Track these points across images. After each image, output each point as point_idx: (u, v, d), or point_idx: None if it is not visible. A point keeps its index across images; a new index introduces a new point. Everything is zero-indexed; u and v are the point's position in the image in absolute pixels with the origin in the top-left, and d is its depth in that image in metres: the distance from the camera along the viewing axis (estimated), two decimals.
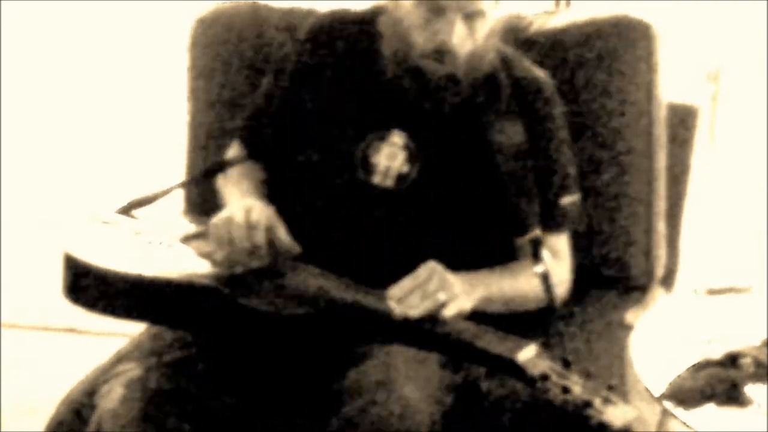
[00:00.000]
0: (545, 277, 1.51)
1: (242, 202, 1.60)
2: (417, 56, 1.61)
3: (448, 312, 1.46)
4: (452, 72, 1.61)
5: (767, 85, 2.41)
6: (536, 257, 1.54)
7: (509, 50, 1.76)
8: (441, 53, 1.59)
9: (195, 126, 2.07)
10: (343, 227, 1.66)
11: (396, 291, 1.47)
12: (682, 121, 1.97)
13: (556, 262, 1.69)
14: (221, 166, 1.82)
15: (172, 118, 2.22)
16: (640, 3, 1.99)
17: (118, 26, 2.79)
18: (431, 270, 1.49)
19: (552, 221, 1.69)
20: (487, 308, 1.56)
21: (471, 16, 1.59)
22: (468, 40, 1.60)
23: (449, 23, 1.58)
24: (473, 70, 1.64)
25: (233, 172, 1.80)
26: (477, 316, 1.51)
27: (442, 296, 1.45)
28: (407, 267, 1.54)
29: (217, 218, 1.58)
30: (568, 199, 1.71)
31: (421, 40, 1.60)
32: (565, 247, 1.73)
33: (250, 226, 1.54)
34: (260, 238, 1.54)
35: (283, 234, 1.57)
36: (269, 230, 1.56)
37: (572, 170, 1.74)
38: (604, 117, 1.88)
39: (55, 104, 2.88)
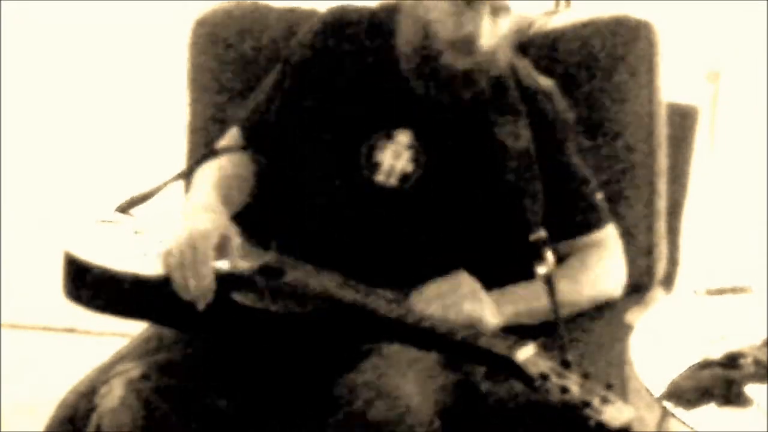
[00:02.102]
0: (548, 280, 1.50)
1: (190, 225, 1.55)
2: (439, 47, 1.60)
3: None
4: (471, 67, 1.61)
5: (767, 85, 2.41)
6: (540, 258, 1.53)
7: (517, 58, 1.75)
8: (466, 44, 1.59)
9: (195, 126, 2.07)
10: (345, 225, 1.66)
11: (419, 293, 1.51)
12: (682, 121, 1.97)
13: (608, 253, 1.72)
14: (212, 155, 1.81)
15: (172, 117, 2.22)
16: (640, 3, 1.99)
17: (118, 26, 2.79)
18: (461, 281, 1.52)
19: (598, 218, 1.72)
20: (516, 323, 1.57)
21: (497, 11, 1.59)
22: (490, 35, 1.60)
23: (477, 15, 1.58)
24: (490, 67, 1.63)
25: (212, 164, 1.75)
26: None
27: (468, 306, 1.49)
28: (409, 266, 1.54)
29: (166, 250, 1.52)
30: (600, 197, 1.74)
31: (446, 30, 1.59)
32: (615, 235, 1.75)
33: (186, 267, 1.50)
34: (206, 273, 1.50)
35: (233, 248, 1.55)
36: (220, 246, 1.53)
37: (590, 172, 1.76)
38: (604, 117, 1.88)
39: (56, 104, 2.89)
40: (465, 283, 1.53)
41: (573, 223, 1.69)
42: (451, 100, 1.64)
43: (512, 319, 1.56)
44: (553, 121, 1.71)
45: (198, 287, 1.49)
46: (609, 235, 1.74)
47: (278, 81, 1.79)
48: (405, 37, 1.66)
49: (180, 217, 1.63)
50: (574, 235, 1.68)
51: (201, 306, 1.50)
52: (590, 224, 1.70)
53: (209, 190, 1.69)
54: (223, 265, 1.54)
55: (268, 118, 1.78)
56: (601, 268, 1.70)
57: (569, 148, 1.72)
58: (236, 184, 1.73)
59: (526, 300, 1.60)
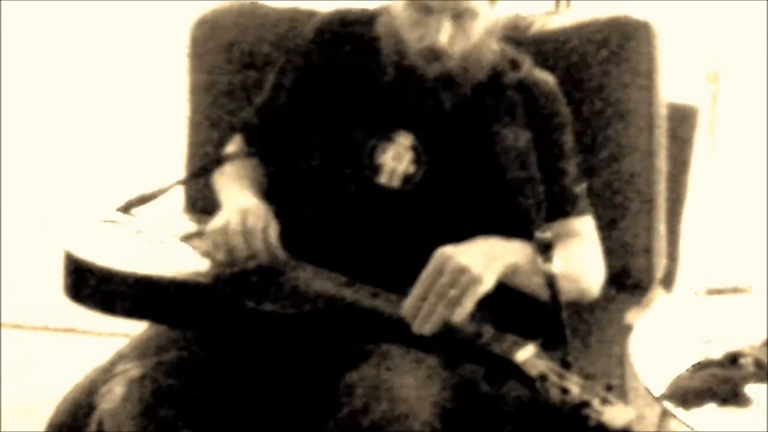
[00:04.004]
0: (551, 280, 1.50)
1: (238, 204, 1.60)
2: (412, 57, 1.61)
3: (459, 316, 1.42)
4: (447, 71, 1.62)
5: (767, 85, 2.41)
6: (545, 259, 1.52)
7: (515, 52, 1.76)
8: (433, 53, 1.60)
9: (195, 125, 2.07)
10: (349, 227, 1.66)
11: (408, 305, 1.43)
12: (682, 121, 1.97)
13: (585, 243, 1.68)
14: (220, 162, 1.82)
15: (172, 117, 2.22)
16: (640, 3, 1.99)
17: (118, 26, 2.80)
18: (439, 264, 1.44)
19: (573, 206, 1.69)
20: (514, 280, 1.53)
21: (460, 15, 1.59)
22: (460, 39, 1.60)
23: (437, 23, 1.58)
24: (471, 69, 1.64)
25: (230, 168, 1.80)
26: (478, 313, 1.51)
27: (454, 292, 1.41)
28: (413, 267, 1.53)
29: (214, 224, 1.58)
30: (580, 187, 1.72)
31: (413, 38, 1.61)
32: (591, 228, 1.71)
33: (247, 232, 1.54)
34: (258, 243, 1.55)
35: (273, 236, 1.57)
36: (265, 232, 1.56)
37: (577, 165, 1.74)
38: (604, 117, 1.88)
39: (56, 104, 2.89)
40: (447, 265, 1.45)
41: (549, 207, 1.64)
42: (435, 104, 1.65)
43: (512, 271, 1.51)
44: (549, 113, 1.70)
45: (249, 250, 1.53)
46: (586, 227, 1.71)
47: (277, 86, 1.80)
48: (384, 46, 1.67)
49: (222, 206, 1.66)
50: (549, 219, 1.63)
51: (255, 263, 1.54)
52: (566, 210, 1.67)
53: (240, 185, 1.72)
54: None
55: (269, 123, 1.79)
56: (577, 258, 1.64)
57: (562, 140, 1.71)
58: (257, 184, 1.75)
59: (527, 252, 1.55)
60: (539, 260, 1.50)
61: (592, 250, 1.70)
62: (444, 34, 1.58)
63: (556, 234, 1.57)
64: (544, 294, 1.51)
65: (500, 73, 1.69)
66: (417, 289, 1.43)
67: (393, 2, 1.64)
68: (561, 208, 1.67)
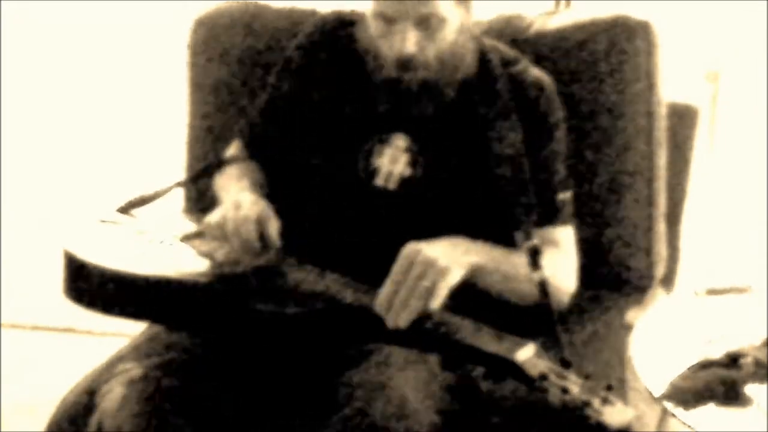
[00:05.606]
0: (543, 285, 1.50)
1: (233, 199, 1.61)
2: (389, 67, 1.62)
3: (434, 304, 1.42)
4: (425, 78, 1.62)
5: (767, 85, 2.41)
6: (534, 266, 1.52)
7: (509, 51, 1.76)
8: (404, 63, 1.60)
9: (194, 125, 2.07)
10: (347, 230, 1.66)
11: (381, 300, 1.43)
12: (682, 121, 1.97)
13: (561, 252, 1.68)
14: (220, 164, 1.83)
15: (172, 117, 2.22)
16: (640, 3, 1.99)
17: (118, 26, 2.80)
18: (408, 258, 1.44)
19: (554, 215, 1.68)
20: (481, 281, 1.53)
21: (425, 22, 1.59)
22: (431, 46, 1.60)
23: (401, 32, 1.58)
24: (450, 72, 1.64)
25: (230, 171, 1.80)
26: (477, 314, 1.51)
27: (426, 283, 1.42)
28: None
29: (210, 217, 1.59)
30: (565, 195, 1.71)
31: (385, 51, 1.61)
32: (570, 238, 1.72)
33: (240, 221, 1.55)
34: (250, 232, 1.55)
35: (272, 229, 1.57)
36: (260, 223, 1.56)
37: (566, 168, 1.74)
38: (604, 117, 1.88)
39: (56, 104, 2.89)
40: (416, 259, 1.45)
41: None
42: (422, 109, 1.65)
43: (477, 272, 1.52)
44: (541, 114, 1.70)
45: (243, 251, 1.53)
46: (565, 237, 1.70)
47: (275, 89, 1.80)
48: (364, 53, 1.67)
49: (221, 202, 1.67)
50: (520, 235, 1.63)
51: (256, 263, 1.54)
52: (548, 219, 1.67)
53: (240, 185, 1.72)
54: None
55: (267, 127, 1.79)
56: (552, 268, 1.60)
57: (552, 143, 1.71)
58: (257, 185, 1.75)
59: (494, 254, 1.57)
60: (527, 266, 1.51)
61: (567, 261, 1.70)
62: (410, 43, 1.58)
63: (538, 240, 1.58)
64: (513, 297, 1.56)
65: (492, 73, 1.69)
66: (389, 283, 1.43)
67: (367, 12, 1.65)
68: (544, 215, 1.66)
